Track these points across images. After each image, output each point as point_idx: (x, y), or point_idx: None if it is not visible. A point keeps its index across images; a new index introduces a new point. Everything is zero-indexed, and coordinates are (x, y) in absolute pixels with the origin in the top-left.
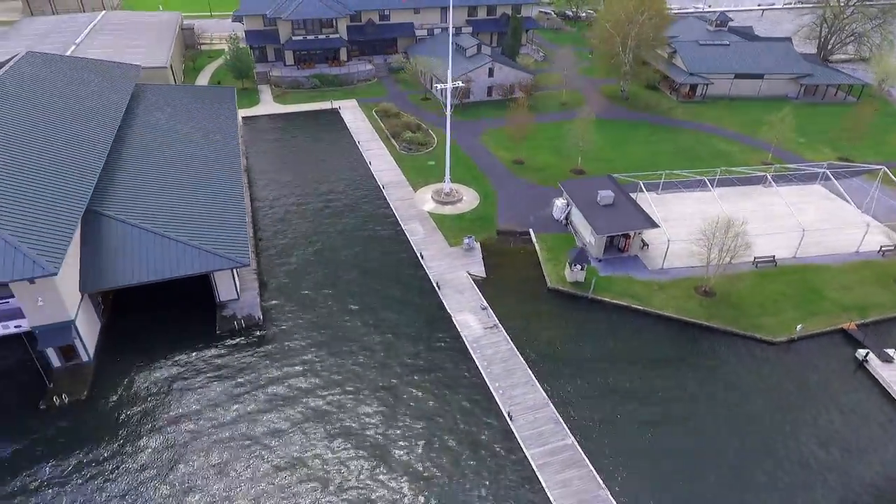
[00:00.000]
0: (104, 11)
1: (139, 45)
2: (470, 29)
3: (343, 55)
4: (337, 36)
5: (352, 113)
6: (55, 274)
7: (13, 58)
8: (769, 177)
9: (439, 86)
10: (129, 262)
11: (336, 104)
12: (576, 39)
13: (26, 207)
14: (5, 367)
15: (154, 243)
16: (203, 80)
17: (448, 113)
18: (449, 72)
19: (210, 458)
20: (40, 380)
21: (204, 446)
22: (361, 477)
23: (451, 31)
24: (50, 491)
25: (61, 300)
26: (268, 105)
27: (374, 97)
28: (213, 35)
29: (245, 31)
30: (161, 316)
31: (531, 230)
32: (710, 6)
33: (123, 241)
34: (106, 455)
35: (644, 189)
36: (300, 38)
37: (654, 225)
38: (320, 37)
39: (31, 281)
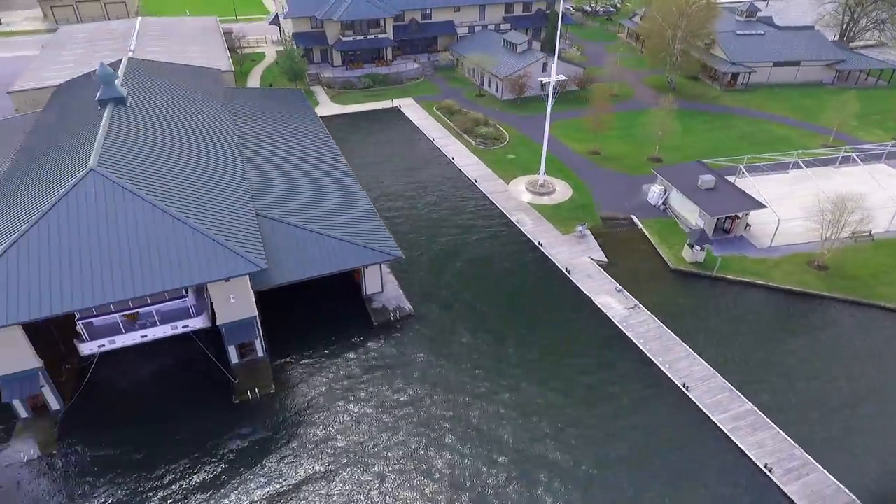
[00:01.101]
0: (139, 17)
1: (194, 49)
2: (508, 25)
3: (389, 54)
4: (385, 36)
5: (413, 111)
6: (265, 268)
7: (119, 62)
8: (855, 156)
9: (542, 79)
10: (294, 260)
11: (396, 103)
12: (599, 34)
13: (218, 212)
14: (187, 366)
15: (312, 241)
16: (252, 82)
17: (549, 105)
18: (553, 65)
19: (419, 441)
20: (222, 376)
21: (412, 431)
22: (568, 457)
23: (559, 25)
24: (300, 472)
25: (250, 297)
26: (327, 106)
27: (428, 95)
28: (250, 38)
29: (292, 34)
30: (310, 311)
31: (633, 216)
32: None
33: (284, 240)
34: (330, 443)
35: (745, 173)
36: (349, 38)
37: (760, 206)
38: (368, 37)
39: (227, 279)
